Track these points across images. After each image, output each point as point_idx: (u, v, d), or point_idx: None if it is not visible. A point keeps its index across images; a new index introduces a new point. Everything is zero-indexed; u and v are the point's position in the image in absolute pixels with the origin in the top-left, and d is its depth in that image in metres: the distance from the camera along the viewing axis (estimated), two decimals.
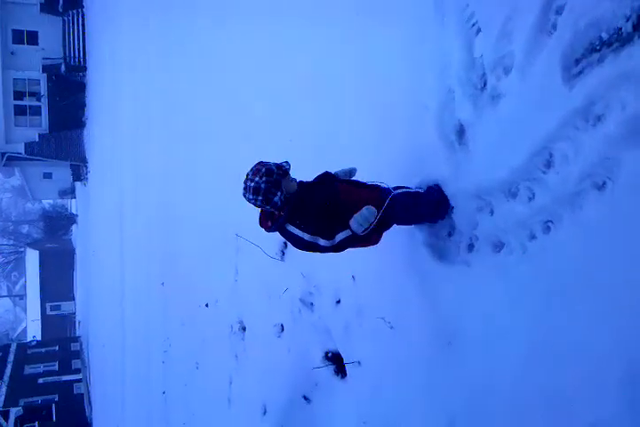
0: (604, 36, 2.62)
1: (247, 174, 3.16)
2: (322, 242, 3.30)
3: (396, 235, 4.18)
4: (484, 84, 3.43)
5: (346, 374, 4.99)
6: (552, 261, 2.95)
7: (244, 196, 3.17)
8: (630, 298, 2.52)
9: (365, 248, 3.66)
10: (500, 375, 3.29)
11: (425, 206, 3.70)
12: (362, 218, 3.24)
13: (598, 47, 2.66)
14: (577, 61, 2.79)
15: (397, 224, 3.73)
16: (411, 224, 3.92)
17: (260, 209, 3.35)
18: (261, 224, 3.43)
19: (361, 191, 3.47)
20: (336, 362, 5.16)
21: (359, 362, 4.71)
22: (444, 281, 3.74)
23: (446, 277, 3.72)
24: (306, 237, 3.29)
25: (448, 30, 3.69)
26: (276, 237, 6.10)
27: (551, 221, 2.97)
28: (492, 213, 3.37)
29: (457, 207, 3.66)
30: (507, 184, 3.24)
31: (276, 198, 3.14)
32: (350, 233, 3.28)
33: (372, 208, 3.27)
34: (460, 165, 3.60)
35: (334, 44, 5.29)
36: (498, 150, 3.30)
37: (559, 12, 2.88)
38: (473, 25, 3.50)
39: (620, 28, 2.52)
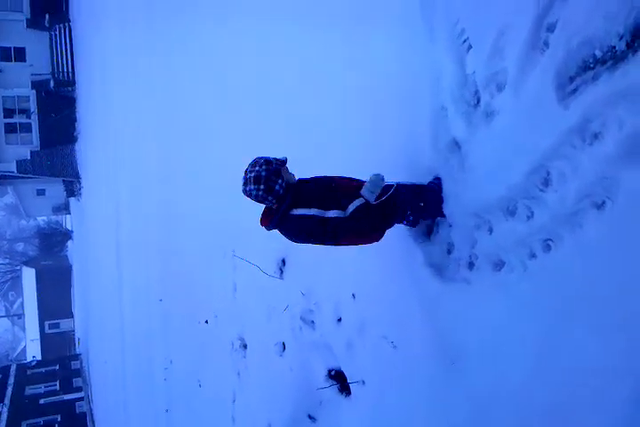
0: (598, 53, 2.60)
1: (246, 170, 3.17)
2: (333, 214, 3.23)
3: (394, 251, 4.16)
4: (478, 101, 3.41)
5: (350, 392, 4.94)
6: (553, 279, 2.92)
7: (245, 191, 3.16)
8: (632, 316, 2.49)
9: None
10: (505, 393, 3.26)
11: (430, 194, 3.66)
12: (371, 184, 3.26)
13: (592, 65, 2.65)
14: (571, 79, 2.76)
15: (402, 219, 3.64)
16: (415, 219, 3.76)
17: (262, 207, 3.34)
18: (262, 223, 3.37)
19: (361, 183, 3.40)
20: (339, 380, 5.11)
21: (363, 381, 4.66)
22: (446, 299, 3.70)
23: (447, 295, 3.69)
24: (313, 211, 3.22)
25: (438, 47, 3.68)
26: (275, 254, 6.13)
27: (551, 240, 2.94)
28: (490, 231, 3.34)
29: (455, 225, 3.63)
30: (504, 202, 3.21)
31: (278, 186, 3.14)
32: (364, 201, 3.25)
33: (379, 173, 3.28)
34: (455, 183, 3.58)
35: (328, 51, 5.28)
36: (494, 168, 3.28)
37: (551, 29, 2.86)
38: (464, 41, 3.48)
39: (614, 47, 2.51)
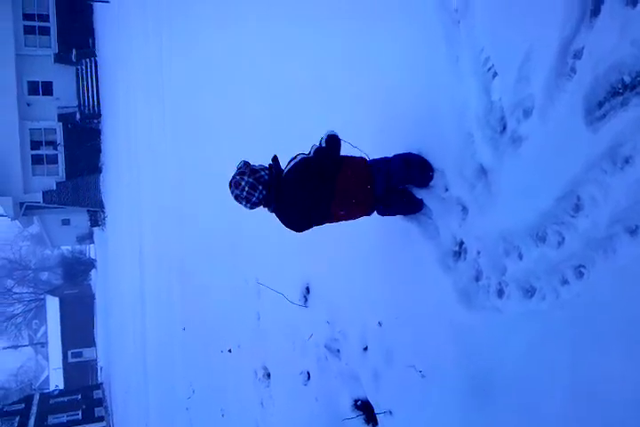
0: (627, 79, 2.59)
1: (236, 195, 3.49)
2: (312, 148, 3.63)
3: (420, 278, 4.12)
4: (504, 128, 3.40)
5: (377, 423, 4.85)
6: (587, 306, 2.86)
7: (244, 199, 3.46)
8: None
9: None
10: (539, 425, 3.18)
11: (415, 165, 3.88)
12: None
13: (621, 90, 2.63)
14: (600, 104, 2.75)
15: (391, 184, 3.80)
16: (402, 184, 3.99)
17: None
18: (266, 204, 3.57)
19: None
20: (366, 411, 5.02)
21: (390, 411, 4.58)
22: (475, 327, 3.64)
23: (477, 323, 3.63)
24: (299, 157, 3.56)
25: (463, 74, 3.69)
26: (299, 281, 6.10)
27: (583, 266, 2.89)
28: (520, 257, 3.30)
29: (483, 251, 3.59)
30: (534, 228, 3.18)
31: (263, 173, 3.46)
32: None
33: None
34: (483, 209, 3.55)
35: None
36: (522, 194, 3.25)
37: (577, 55, 2.86)
38: (489, 69, 3.49)
39: None
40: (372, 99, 4.80)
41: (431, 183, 3.96)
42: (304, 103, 6.18)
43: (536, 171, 3.15)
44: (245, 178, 3.41)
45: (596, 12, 2.80)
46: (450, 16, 3.89)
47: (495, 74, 3.46)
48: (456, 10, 3.84)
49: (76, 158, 26.54)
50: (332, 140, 3.64)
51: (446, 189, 3.89)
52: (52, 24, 26.22)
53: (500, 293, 3.43)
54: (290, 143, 6.41)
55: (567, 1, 2.86)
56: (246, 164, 3.52)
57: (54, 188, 26.16)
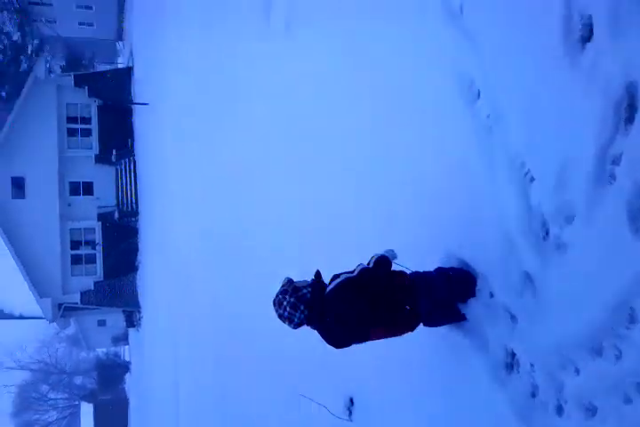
0: None
1: (279, 314, 3.40)
2: (358, 268, 3.54)
3: (473, 395, 3.90)
4: (547, 233, 3.31)
5: None
6: None
7: (286, 319, 3.37)
8: None
9: None
10: None
11: (458, 282, 3.81)
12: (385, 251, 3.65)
13: None
14: None
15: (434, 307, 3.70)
16: (448, 304, 3.86)
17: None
18: (310, 322, 3.45)
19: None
20: None
21: None
22: None
23: None
24: (342, 276, 3.48)
25: (500, 179, 3.67)
26: (341, 392, 5.81)
27: None
28: (577, 372, 3.09)
29: (537, 364, 3.39)
30: (588, 340, 3.00)
31: (305, 290, 3.39)
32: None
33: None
34: (533, 318, 3.40)
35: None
36: (573, 303, 3.11)
37: (616, 162, 2.82)
38: (525, 174, 3.46)
39: None
40: (409, 203, 4.81)
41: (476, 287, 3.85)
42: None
43: (585, 279, 3.02)
44: (287, 297, 3.35)
45: (630, 119, 2.79)
46: (481, 122, 3.94)
47: (532, 179, 3.43)
48: (488, 116, 3.89)
49: (113, 257, 26.83)
50: (382, 263, 3.56)
51: (491, 295, 3.76)
52: (94, 126, 27.15)
53: (560, 410, 3.20)
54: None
55: (600, 110, 2.87)
56: (289, 281, 3.46)
57: (92, 288, 26.28)
